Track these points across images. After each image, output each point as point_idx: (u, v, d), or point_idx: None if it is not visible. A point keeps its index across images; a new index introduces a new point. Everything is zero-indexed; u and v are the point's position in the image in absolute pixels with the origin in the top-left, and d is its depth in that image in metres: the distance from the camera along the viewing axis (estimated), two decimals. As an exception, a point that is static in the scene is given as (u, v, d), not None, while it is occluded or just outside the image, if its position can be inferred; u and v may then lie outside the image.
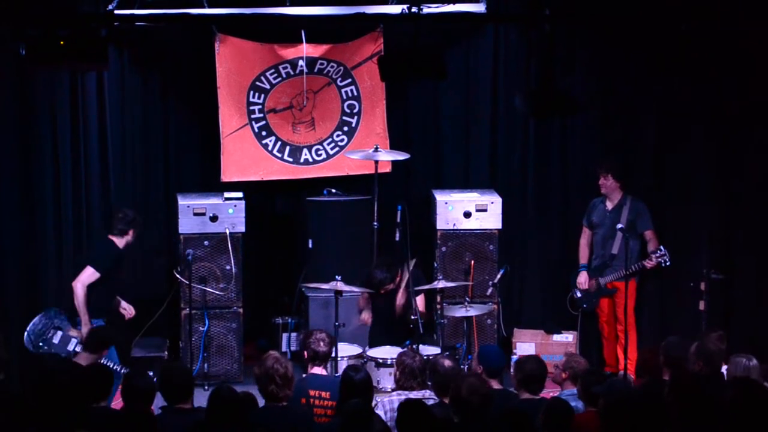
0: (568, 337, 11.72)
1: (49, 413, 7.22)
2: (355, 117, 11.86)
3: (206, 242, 11.15)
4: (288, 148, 11.79)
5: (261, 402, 7.91)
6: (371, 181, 11.20)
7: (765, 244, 11.22)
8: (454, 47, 11.81)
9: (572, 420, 7.25)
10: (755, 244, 11.28)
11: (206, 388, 10.72)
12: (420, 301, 10.50)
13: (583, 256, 11.50)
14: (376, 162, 11.08)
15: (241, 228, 11.22)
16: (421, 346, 9.93)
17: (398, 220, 10.52)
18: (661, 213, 11.59)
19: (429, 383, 8.43)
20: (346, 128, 11.86)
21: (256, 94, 11.65)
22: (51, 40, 8.85)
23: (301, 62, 11.56)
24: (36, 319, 10.19)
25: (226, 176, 11.62)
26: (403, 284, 10.30)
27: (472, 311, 10.42)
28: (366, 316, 10.63)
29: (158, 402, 7.76)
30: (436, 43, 11.31)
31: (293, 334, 11.70)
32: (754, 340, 11.07)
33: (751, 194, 11.27)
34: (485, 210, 11.50)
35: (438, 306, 10.45)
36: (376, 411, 7.88)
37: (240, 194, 11.35)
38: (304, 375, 8.72)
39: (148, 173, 11.69)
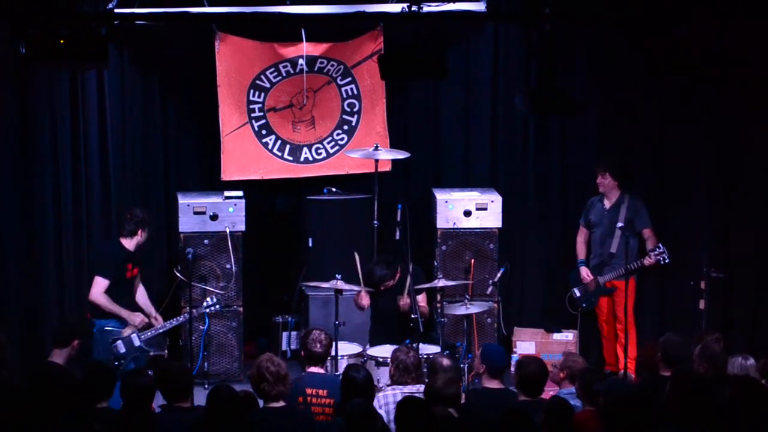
0: (568, 336, 11.72)
1: (51, 413, 7.22)
2: (355, 116, 11.86)
3: (206, 241, 11.16)
4: (288, 146, 11.79)
5: (261, 402, 7.91)
6: (371, 180, 11.20)
7: (765, 243, 11.23)
8: (454, 46, 11.82)
9: (572, 419, 7.26)
10: (755, 242, 11.29)
11: (206, 386, 10.72)
12: (422, 300, 10.51)
13: (581, 252, 11.49)
14: (376, 161, 11.09)
15: (242, 227, 11.23)
16: (421, 345, 9.93)
17: (398, 218, 10.55)
18: (661, 212, 11.60)
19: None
20: (346, 127, 11.86)
21: (256, 93, 11.65)
22: (51, 38, 8.85)
23: (301, 61, 11.56)
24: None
25: (226, 175, 11.63)
26: (407, 287, 10.29)
27: (472, 310, 10.43)
28: (365, 301, 10.52)
29: (158, 401, 7.77)
30: (436, 41, 11.30)
31: (293, 333, 11.70)
32: (754, 339, 11.09)
33: (751, 193, 11.27)
34: (485, 209, 11.50)
35: (438, 305, 10.45)
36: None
37: (240, 193, 11.36)
38: (302, 374, 8.73)
39: (148, 172, 11.69)
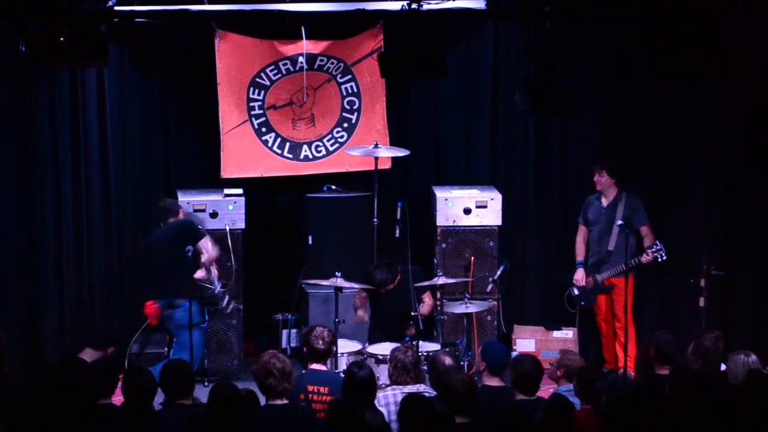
0: (568, 334, 11.73)
1: (53, 409, 7.22)
2: (355, 113, 11.86)
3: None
4: (288, 144, 11.79)
5: (262, 400, 7.91)
6: (371, 178, 11.20)
7: (765, 240, 11.24)
8: (454, 44, 11.81)
9: (573, 416, 7.26)
10: (755, 240, 11.30)
11: (206, 384, 10.73)
12: (428, 299, 10.52)
13: (580, 252, 11.51)
14: (376, 158, 11.09)
15: (241, 224, 11.24)
16: (421, 343, 9.94)
17: (398, 216, 10.55)
18: (661, 210, 11.60)
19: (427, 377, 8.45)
20: (345, 125, 11.87)
21: (256, 91, 11.65)
22: (51, 37, 8.85)
23: (301, 59, 11.56)
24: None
25: (226, 173, 11.63)
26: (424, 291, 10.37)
27: (472, 308, 10.44)
28: (362, 314, 10.64)
29: (159, 398, 7.78)
30: (436, 39, 11.31)
31: (293, 331, 11.70)
32: (754, 337, 11.10)
33: (750, 192, 11.29)
34: (485, 206, 11.51)
35: (438, 303, 10.46)
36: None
37: (240, 191, 11.36)
38: (303, 371, 8.73)
39: (148, 170, 11.69)
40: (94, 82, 11.18)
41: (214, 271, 10.70)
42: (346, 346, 10.03)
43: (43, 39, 8.85)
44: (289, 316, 11.76)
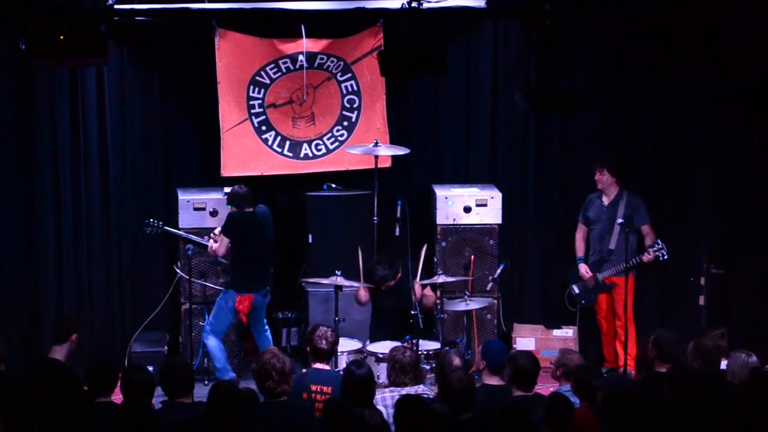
0: (568, 333, 11.72)
1: (53, 407, 7.22)
2: (355, 112, 11.86)
3: (206, 237, 11.15)
4: (288, 142, 11.79)
5: (262, 398, 7.91)
6: (371, 176, 11.19)
7: (764, 239, 11.24)
8: (454, 42, 11.81)
9: (573, 415, 7.26)
10: (755, 238, 11.30)
11: (206, 383, 10.73)
12: (429, 293, 10.50)
13: (580, 249, 11.49)
14: (376, 157, 11.08)
15: (242, 223, 11.23)
16: (421, 341, 9.94)
17: (398, 215, 10.54)
18: (662, 208, 11.60)
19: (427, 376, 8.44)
20: (345, 123, 11.86)
21: (256, 89, 11.65)
22: (51, 35, 8.86)
23: (300, 57, 11.56)
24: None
25: (226, 171, 11.63)
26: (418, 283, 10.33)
27: (472, 306, 10.43)
28: (363, 293, 10.49)
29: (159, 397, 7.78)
30: (436, 38, 11.31)
31: (293, 329, 11.70)
32: (754, 335, 11.11)
33: (750, 191, 11.29)
34: (485, 205, 11.51)
35: (438, 301, 10.45)
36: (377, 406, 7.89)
37: (240, 190, 11.35)
38: (304, 370, 8.72)
39: (148, 168, 11.68)
40: (94, 81, 11.19)
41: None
42: (346, 345, 10.02)
43: (43, 37, 8.87)
44: (290, 315, 11.76)
